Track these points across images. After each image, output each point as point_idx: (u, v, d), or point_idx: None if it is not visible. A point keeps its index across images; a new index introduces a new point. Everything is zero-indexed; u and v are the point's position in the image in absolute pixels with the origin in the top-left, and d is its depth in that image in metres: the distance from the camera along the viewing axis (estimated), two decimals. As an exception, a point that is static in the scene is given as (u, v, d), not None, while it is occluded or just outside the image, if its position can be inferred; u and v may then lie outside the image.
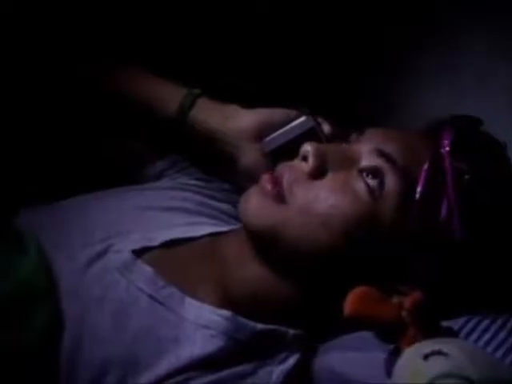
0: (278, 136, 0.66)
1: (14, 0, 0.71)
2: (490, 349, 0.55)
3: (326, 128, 0.66)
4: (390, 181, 0.56)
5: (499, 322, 0.56)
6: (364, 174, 0.57)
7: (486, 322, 0.56)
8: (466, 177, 0.55)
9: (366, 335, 0.55)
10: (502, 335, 0.56)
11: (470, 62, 0.87)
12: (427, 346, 0.49)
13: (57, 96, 0.73)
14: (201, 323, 0.58)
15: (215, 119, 0.68)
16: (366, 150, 0.58)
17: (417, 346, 0.50)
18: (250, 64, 0.90)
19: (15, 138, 0.74)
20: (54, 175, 0.77)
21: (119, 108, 0.73)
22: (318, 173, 0.58)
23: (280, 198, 0.57)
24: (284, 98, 0.68)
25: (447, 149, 0.56)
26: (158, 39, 0.84)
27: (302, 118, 0.66)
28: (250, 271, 0.60)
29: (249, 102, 0.69)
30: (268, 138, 0.67)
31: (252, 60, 0.91)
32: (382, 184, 0.56)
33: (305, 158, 0.59)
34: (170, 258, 0.63)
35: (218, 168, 0.76)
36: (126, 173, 0.78)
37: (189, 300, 0.60)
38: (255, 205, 0.58)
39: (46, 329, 0.56)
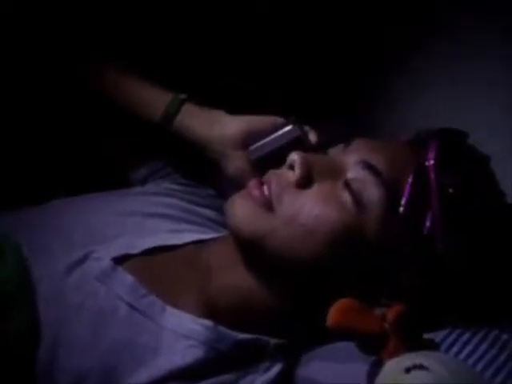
0: (263, 144, 0.66)
1: (14, 0, 0.71)
2: (471, 361, 0.55)
3: (312, 137, 0.66)
4: (375, 193, 0.56)
5: (480, 334, 0.56)
6: (350, 186, 0.56)
7: (467, 335, 0.56)
8: (451, 190, 0.55)
9: (349, 346, 0.55)
10: (483, 347, 0.55)
11: (471, 63, 0.87)
12: (408, 359, 0.49)
13: (55, 95, 0.73)
14: (181, 333, 0.58)
15: (201, 126, 0.68)
16: (352, 162, 0.58)
17: (398, 358, 0.50)
18: (250, 64, 0.90)
19: (9, 138, 0.74)
20: (49, 176, 0.76)
21: (107, 109, 0.72)
22: (304, 182, 0.58)
23: (268, 205, 0.57)
24: (284, 97, 0.68)
25: (432, 162, 0.56)
26: (158, 39, 0.84)
27: (289, 127, 0.66)
28: (235, 279, 0.60)
29: (248, 102, 0.68)
30: (254, 146, 0.67)
31: (252, 60, 0.91)
32: (367, 196, 0.56)
33: (291, 167, 0.59)
34: (151, 266, 0.62)
35: (203, 173, 0.76)
36: (117, 174, 0.77)
37: (170, 309, 0.59)
38: (242, 209, 0.58)
39: (21, 337, 0.55)
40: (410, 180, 0.56)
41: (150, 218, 0.67)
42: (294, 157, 0.58)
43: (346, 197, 0.56)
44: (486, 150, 0.61)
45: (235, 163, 0.66)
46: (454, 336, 0.56)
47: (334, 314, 0.52)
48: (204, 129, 0.67)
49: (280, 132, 0.66)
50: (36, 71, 0.72)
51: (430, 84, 0.91)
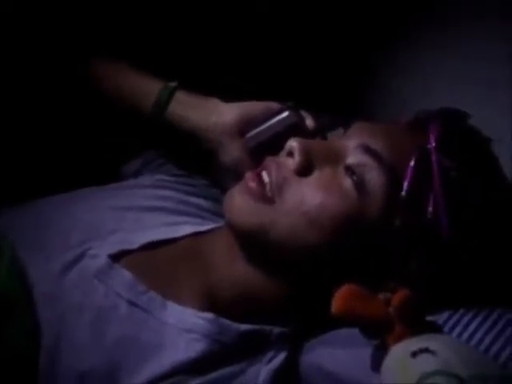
0: (260, 131, 0.66)
1: (14, 0, 0.70)
2: (474, 341, 0.55)
3: (309, 122, 0.65)
4: (377, 177, 0.55)
5: (482, 314, 0.56)
6: (350, 171, 0.56)
7: (469, 316, 0.56)
8: (453, 173, 0.55)
9: (353, 331, 0.55)
10: (486, 326, 0.55)
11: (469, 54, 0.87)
12: (414, 343, 0.49)
13: (55, 94, 0.72)
14: (183, 327, 0.57)
15: (195, 115, 0.67)
16: (352, 146, 0.57)
17: (404, 343, 0.50)
18: (249, 64, 0.90)
19: (8, 137, 0.73)
20: (43, 172, 0.75)
21: (102, 104, 0.71)
22: (304, 169, 0.57)
23: (266, 198, 0.57)
24: (283, 97, 0.68)
25: (433, 144, 0.56)
26: (158, 39, 0.83)
27: (285, 113, 0.65)
28: (236, 271, 0.59)
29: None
30: (250, 134, 0.66)
31: (252, 60, 0.90)
32: (368, 181, 0.55)
33: (291, 154, 0.58)
34: (150, 261, 0.61)
35: (198, 163, 0.75)
36: (109, 167, 0.76)
37: (170, 304, 0.58)
38: (240, 204, 0.57)
39: (23, 338, 0.54)
40: (411, 163, 0.55)
41: (146, 212, 0.66)
42: (293, 143, 0.58)
43: (348, 182, 0.56)
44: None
45: (232, 152, 0.65)
46: (456, 317, 0.56)
47: (338, 301, 0.51)
48: (198, 118, 0.66)
49: (276, 118, 0.66)
50: (35, 71, 0.71)
51: (430, 77, 0.91)
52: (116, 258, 0.60)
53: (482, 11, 0.84)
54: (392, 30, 0.95)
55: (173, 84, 0.68)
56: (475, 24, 0.86)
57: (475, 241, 0.56)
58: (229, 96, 0.68)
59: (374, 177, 0.55)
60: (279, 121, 0.65)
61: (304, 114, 0.66)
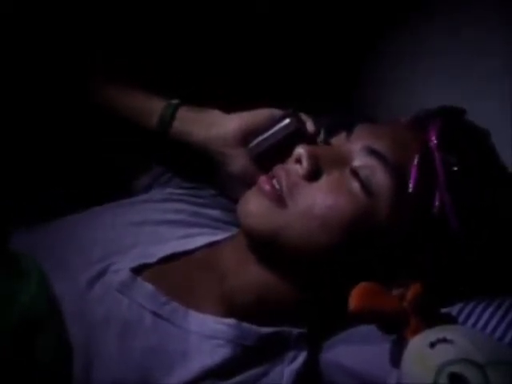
0: (262, 140, 0.67)
1: (14, 0, 0.71)
2: (488, 330, 0.57)
3: (310, 126, 0.67)
4: (383, 178, 0.57)
5: (494, 304, 0.57)
6: (357, 174, 0.58)
7: (481, 306, 0.58)
8: (456, 167, 0.57)
9: (370, 328, 0.56)
10: (498, 315, 0.57)
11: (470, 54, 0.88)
12: (431, 334, 0.51)
13: (55, 95, 0.73)
14: (207, 334, 0.59)
15: (198, 130, 0.68)
16: (357, 149, 0.59)
17: (421, 335, 0.51)
18: (249, 64, 0.91)
19: (11, 147, 0.74)
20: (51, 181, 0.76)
21: (105, 121, 0.73)
22: (313, 174, 0.59)
23: (280, 200, 0.58)
24: (283, 97, 0.69)
25: (435, 142, 0.58)
26: (157, 39, 0.84)
27: (287, 121, 0.66)
28: (252, 276, 0.61)
29: (247, 101, 0.69)
30: (253, 143, 0.67)
31: (252, 60, 0.91)
32: (375, 182, 0.57)
33: (298, 161, 0.60)
34: (169, 272, 0.63)
35: (205, 175, 0.76)
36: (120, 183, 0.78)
37: (192, 313, 0.60)
38: (256, 207, 0.59)
39: (54, 356, 0.55)
40: (415, 161, 0.57)
41: (161, 226, 0.68)
42: (300, 150, 0.59)
43: (355, 185, 0.57)
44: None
45: (238, 162, 0.67)
46: (468, 308, 0.58)
47: (355, 299, 0.53)
48: (200, 132, 0.68)
49: (278, 126, 0.67)
50: (36, 71, 0.72)
51: (429, 71, 0.92)
52: (137, 271, 0.62)
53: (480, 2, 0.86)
54: (391, 23, 0.96)
55: (175, 101, 0.70)
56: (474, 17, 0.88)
57: (483, 233, 0.58)
58: (229, 99, 0.70)
59: (380, 177, 0.57)
60: (281, 128, 0.66)
61: (304, 117, 0.67)
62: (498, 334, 0.56)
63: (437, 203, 0.57)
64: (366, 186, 0.57)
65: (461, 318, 0.58)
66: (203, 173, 0.76)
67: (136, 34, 0.82)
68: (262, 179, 0.60)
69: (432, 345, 0.49)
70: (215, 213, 0.74)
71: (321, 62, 0.97)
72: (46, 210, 0.72)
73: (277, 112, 0.68)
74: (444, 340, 0.49)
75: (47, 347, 0.55)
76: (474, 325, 0.57)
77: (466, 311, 0.58)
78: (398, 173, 0.57)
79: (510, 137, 0.80)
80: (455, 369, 0.47)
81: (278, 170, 0.61)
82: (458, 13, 0.89)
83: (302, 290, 0.60)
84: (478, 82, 0.85)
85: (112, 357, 0.57)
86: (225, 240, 0.67)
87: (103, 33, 0.77)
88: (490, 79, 0.84)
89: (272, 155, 0.65)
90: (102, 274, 0.62)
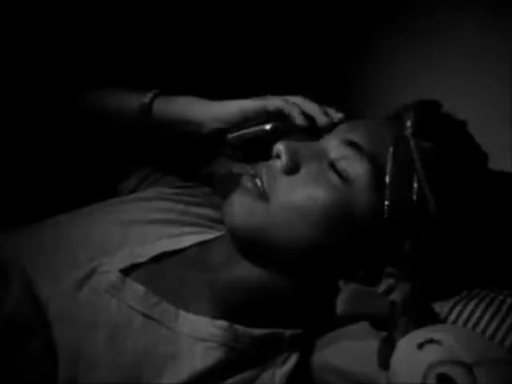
0: (242, 134, 0.68)
1: (14, 0, 0.71)
2: (480, 327, 0.56)
3: (300, 120, 0.65)
4: (360, 167, 0.58)
5: (486, 301, 0.57)
6: (334, 165, 0.58)
7: (473, 303, 0.57)
8: (431, 152, 0.58)
9: (361, 327, 0.56)
10: (489, 313, 0.57)
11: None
12: (419, 335, 0.51)
13: (55, 96, 0.74)
14: (198, 336, 0.59)
15: (182, 107, 0.69)
16: (335, 142, 0.60)
17: (409, 336, 0.51)
18: (249, 63, 0.91)
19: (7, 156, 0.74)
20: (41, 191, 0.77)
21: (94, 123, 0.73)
22: (291, 168, 0.60)
23: (263, 196, 0.59)
24: (283, 95, 0.69)
25: (410, 130, 0.59)
26: (157, 38, 0.85)
27: (268, 126, 0.67)
28: (240, 274, 0.61)
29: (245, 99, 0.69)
30: (234, 134, 0.68)
31: (252, 60, 0.92)
32: (353, 172, 0.58)
33: (278, 156, 0.60)
34: (159, 272, 0.63)
35: (195, 173, 0.76)
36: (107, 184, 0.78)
37: (183, 314, 0.60)
38: (239, 205, 0.60)
39: (42, 360, 0.55)
40: (391, 149, 0.58)
41: (151, 225, 0.68)
42: (279, 146, 0.60)
43: (333, 176, 0.58)
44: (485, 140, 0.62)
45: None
46: (460, 306, 0.58)
47: (341, 302, 0.53)
48: (189, 109, 0.69)
49: (260, 127, 0.67)
50: (35, 72, 0.73)
51: (421, 69, 0.92)
52: (126, 272, 0.62)
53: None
54: (386, 21, 0.96)
55: (155, 91, 0.71)
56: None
57: (463, 215, 0.58)
58: (227, 98, 0.70)
59: (357, 167, 0.58)
60: (262, 130, 0.67)
61: (308, 106, 0.66)
62: (489, 331, 0.55)
63: (415, 187, 0.57)
64: (343, 176, 0.58)
65: (453, 316, 0.57)
66: (194, 171, 0.76)
67: (136, 34, 0.82)
68: (245, 178, 0.61)
69: (420, 346, 0.49)
70: (207, 211, 0.74)
71: (321, 62, 0.97)
72: (32, 209, 0.72)
73: (271, 105, 0.67)
74: (431, 341, 0.49)
75: (34, 351, 0.55)
76: (466, 323, 0.56)
77: (457, 309, 0.58)
78: (375, 162, 0.58)
79: (510, 137, 0.79)
80: (443, 370, 0.47)
81: (260, 167, 0.62)
82: (457, 11, 0.88)
83: (292, 287, 0.60)
84: (477, 82, 0.84)
85: (100, 360, 0.56)
86: (216, 239, 0.67)
87: (103, 33, 0.77)
88: (490, 79, 0.83)
89: (249, 144, 0.66)
90: (89, 275, 0.61)
